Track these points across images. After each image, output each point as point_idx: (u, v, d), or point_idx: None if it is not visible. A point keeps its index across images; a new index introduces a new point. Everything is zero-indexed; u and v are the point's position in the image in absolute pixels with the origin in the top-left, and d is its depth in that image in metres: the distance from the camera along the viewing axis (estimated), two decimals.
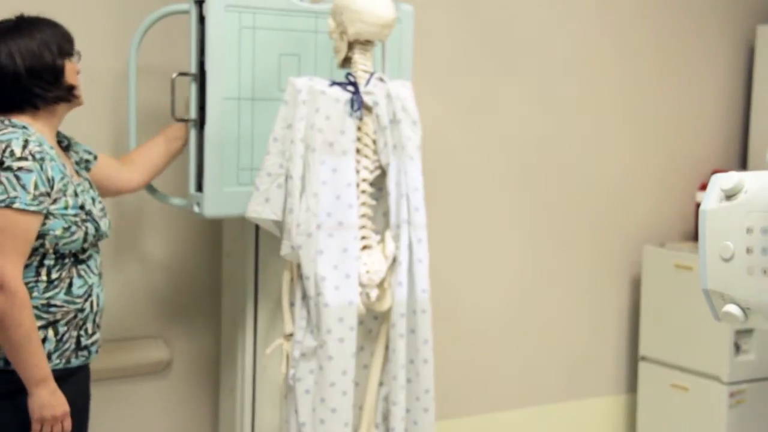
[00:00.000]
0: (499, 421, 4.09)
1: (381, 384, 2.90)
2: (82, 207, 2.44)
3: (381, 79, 2.86)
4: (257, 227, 3.08)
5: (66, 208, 2.39)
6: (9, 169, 2.30)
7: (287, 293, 2.82)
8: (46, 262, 2.40)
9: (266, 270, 3.13)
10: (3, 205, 2.29)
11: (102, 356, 2.86)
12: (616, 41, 4.24)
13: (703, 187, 4.37)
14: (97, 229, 2.48)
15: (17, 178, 2.30)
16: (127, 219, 3.22)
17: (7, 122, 2.41)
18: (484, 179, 3.96)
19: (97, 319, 2.53)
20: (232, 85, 2.90)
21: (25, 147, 2.32)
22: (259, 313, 3.15)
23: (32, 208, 2.31)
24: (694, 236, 4.44)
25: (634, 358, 4.36)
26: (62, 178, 2.39)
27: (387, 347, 2.87)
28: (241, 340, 3.16)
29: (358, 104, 2.79)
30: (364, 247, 2.80)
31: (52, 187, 2.36)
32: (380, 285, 2.82)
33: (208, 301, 3.40)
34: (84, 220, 2.44)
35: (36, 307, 2.38)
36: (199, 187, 2.94)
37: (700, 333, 3.99)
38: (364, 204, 2.81)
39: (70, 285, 2.44)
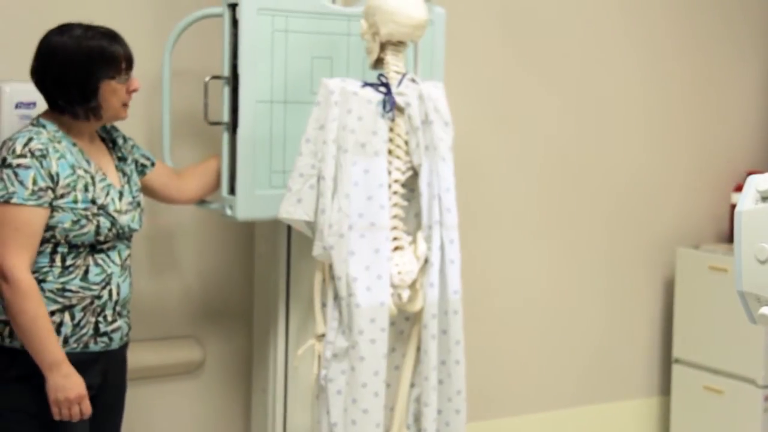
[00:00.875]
0: (532, 423, 4.08)
1: (412, 385, 2.89)
2: (93, 201, 2.50)
3: (413, 80, 2.86)
4: (289, 229, 3.09)
5: (75, 202, 2.47)
6: (9, 166, 2.41)
7: (319, 294, 2.82)
8: (60, 249, 2.48)
9: (298, 271, 3.14)
10: (2, 200, 2.40)
11: (135, 356, 2.89)
12: (648, 43, 4.21)
13: (739, 189, 4.33)
14: (113, 223, 2.54)
15: (15, 174, 2.41)
16: (161, 221, 3.24)
17: (35, 121, 2.54)
18: (514, 180, 3.95)
19: (119, 308, 2.59)
20: (265, 88, 2.90)
21: (26, 144, 2.43)
22: (290, 314, 3.15)
23: (30, 203, 2.41)
24: (729, 238, 4.40)
25: (667, 361, 4.33)
26: (71, 174, 2.47)
27: (418, 348, 2.87)
28: (273, 341, 3.17)
29: (391, 105, 2.79)
30: (396, 248, 2.80)
31: (56, 182, 2.44)
32: (412, 286, 2.82)
33: (240, 301, 3.41)
34: (95, 214, 2.50)
35: (51, 291, 2.47)
36: (232, 190, 2.95)
37: (735, 335, 3.95)
38: (395, 205, 2.81)
39: (87, 272, 2.51)
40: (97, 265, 2.53)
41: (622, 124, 4.19)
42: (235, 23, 2.89)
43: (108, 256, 2.56)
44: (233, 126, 2.93)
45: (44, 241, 2.47)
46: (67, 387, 2.44)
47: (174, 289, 3.32)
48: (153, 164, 2.80)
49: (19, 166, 2.41)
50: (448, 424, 2.88)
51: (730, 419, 4.01)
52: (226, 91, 2.94)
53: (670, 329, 4.29)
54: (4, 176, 2.41)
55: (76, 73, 2.49)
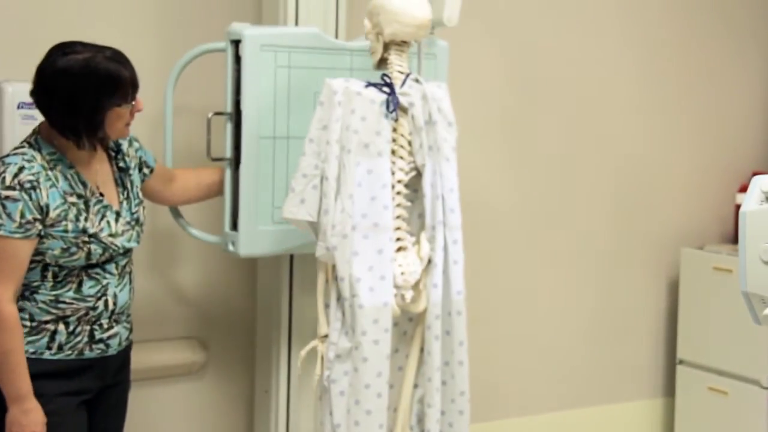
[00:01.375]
0: (535, 425, 4.07)
1: (416, 386, 2.89)
2: (84, 231, 2.47)
3: (417, 80, 2.85)
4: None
5: (66, 231, 2.45)
6: None
7: (322, 295, 2.82)
8: (51, 268, 2.48)
9: (302, 274, 3.14)
10: None
11: (138, 357, 2.89)
12: (652, 43, 4.21)
13: (743, 189, 4.32)
14: (105, 249, 2.52)
15: (3, 206, 2.37)
16: (164, 221, 3.23)
17: (33, 139, 2.49)
18: (518, 181, 3.95)
19: (116, 315, 2.58)
20: (268, 123, 2.91)
21: (16, 176, 2.39)
22: (293, 315, 3.15)
23: (17, 236, 2.38)
24: (733, 238, 4.40)
25: (671, 362, 4.32)
26: (62, 204, 2.44)
27: (422, 349, 2.86)
28: (275, 342, 3.17)
29: (394, 105, 2.79)
30: (399, 249, 2.80)
31: (46, 213, 2.42)
32: (415, 286, 2.81)
33: (243, 301, 3.41)
34: (86, 242, 2.48)
35: (44, 302, 2.47)
36: (234, 226, 2.95)
37: (739, 336, 3.94)
38: (399, 205, 2.80)
39: (80, 285, 2.50)
40: (91, 278, 2.52)
41: (626, 124, 4.18)
42: (238, 59, 2.90)
43: (103, 269, 2.55)
44: (236, 162, 2.93)
45: (34, 262, 2.46)
46: (23, 423, 2.44)
47: (177, 290, 3.32)
48: (152, 171, 2.78)
49: (7, 198, 2.37)
50: (451, 425, 2.88)
51: (734, 420, 4.00)
52: (229, 127, 2.94)
53: (675, 330, 4.29)
54: None
55: (85, 101, 2.43)
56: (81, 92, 2.42)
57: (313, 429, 3.19)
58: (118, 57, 2.49)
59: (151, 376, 3.26)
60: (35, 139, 2.49)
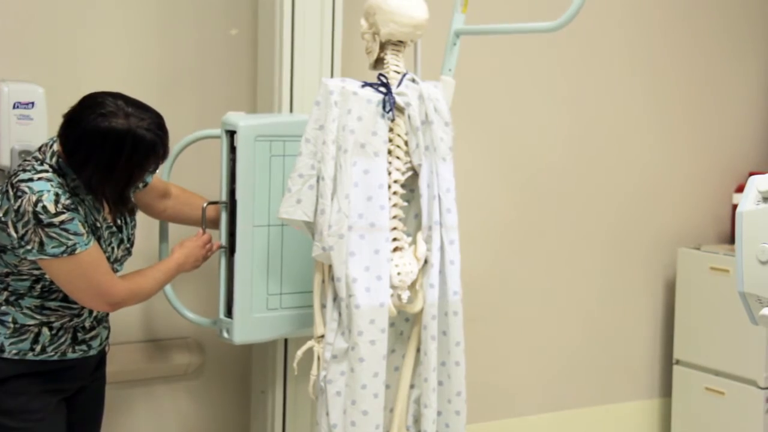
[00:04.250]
0: (532, 425, 4.07)
1: (412, 386, 2.88)
2: (104, 253, 2.53)
3: (413, 80, 2.85)
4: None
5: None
6: (51, 225, 2.37)
7: (318, 295, 2.81)
8: (42, 282, 2.49)
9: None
10: (67, 254, 2.40)
11: (134, 357, 2.88)
12: (649, 44, 4.21)
13: (740, 189, 4.32)
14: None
15: (65, 230, 2.39)
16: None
17: (44, 162, 2.45)
18: (516, 181, 3.94)
19: (99, 317, 2.62)
20: (263, 212, 2.92)
21: (57, 202, 2.39)
22: None
23: (91, 244, 2.45)
24: (730, 239, 4.39)
25: (668, 362, 4.32)
26: (89, 227, 2.48)
27: (418, 349, 2.86)
28: (272, 342, 3.16)
29: (390, 105, 2.78)
30: (396, 249, 2.79)
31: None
32: (412, 287, 2.81)
33: None
34: None
35: (29, 308, 2.49)
36: (229, 313, 2.97)
37: (736, 336, 3.94)
38: (395, 205, 2.80)
39: (67, 295, 2.51)
40: None
41: (623, 124, 4.18)
42: (233, 149, 2.91)
43: None
44: (231, 250, 2.94)
45: (27, 275, 2.47)
46: (189, 256, 2.76)
47: (173, 290, 3.31)
48: (146, 185, 2.78)
49: (62, 222, 2.39)
50: (447, 425, 2.87)
51: (731, 421, 4.00)
52: (224, 216, 2.96)
53: (672, 330, 4.28)
54: (54, 235, 2.38)
55: (124, 171, 2.45)
56: (122, 161, 2.42)
57: (309, 429, 3.19)
58: (157, 126, 2.48)
59: (148, 376, 3.26)
60: (58, 163, 2.46)
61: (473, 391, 3.10)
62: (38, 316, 2.49)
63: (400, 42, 2.83)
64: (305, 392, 3.08)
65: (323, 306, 2.80)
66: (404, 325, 2.91)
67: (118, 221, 2.62)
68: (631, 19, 4.15)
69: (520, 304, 4.00)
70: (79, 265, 2.43)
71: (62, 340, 2.53)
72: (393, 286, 2.76)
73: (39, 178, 2.41)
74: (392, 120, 2.80)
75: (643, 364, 4.33)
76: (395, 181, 2.80)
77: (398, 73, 2.82)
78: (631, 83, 4.18)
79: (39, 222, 2.36)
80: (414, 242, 2.83)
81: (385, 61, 2.84)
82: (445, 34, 3.05)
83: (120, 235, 2.61)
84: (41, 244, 2.37)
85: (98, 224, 2.53)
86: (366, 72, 2.90)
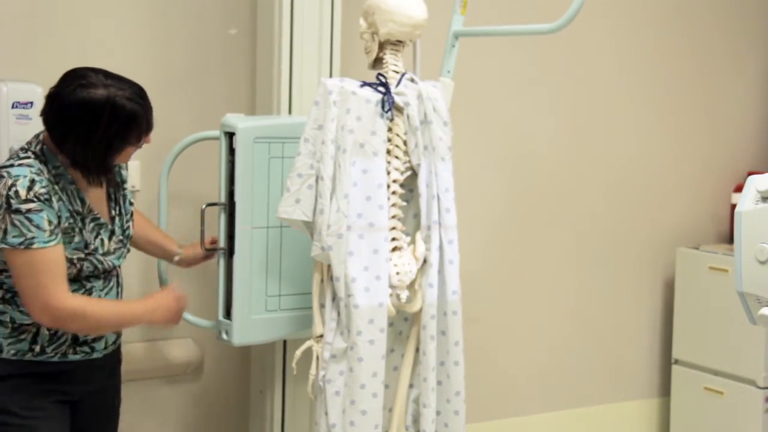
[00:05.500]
0: (531, 425, 4.07)
1: (411, 386, 2.88)
2: (86, 245, 2.47)
3: (412, 80, 2.85)
4: None
5: (70, 243, 2.43)
6: (18, 211, 2.32)
7: (317, 295, 2.81)
8: None
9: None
10: (23, 246, 2.34)
11: (133, 357, 2.88)
12: (648, 43, 4.21)
13: (739, 189, 4.32)
14: (96, 267, 2.49)
15: (29, 219, 2.33)
16: None
17: (38, 149, 2.42)
18: (514, 181, 3.94)
19: None
20: (261, 214, 2.92)
21: (30, 189, 2.34)
22: None
23: (52, 243, 2.37)
24: (729, 238, 4.39)
25: (667, 362, 4.32)
26: (69, 217, 2.42)
27: (417, 349, 2.86)
28: (271, 342, 3.16)
29: (389, 105, 2.78)
30: (395, 249, 2.79)
31: (59, 224, 2.40)
32: (410, 286, 2.81)
33: None
34: (81, 259, 2.46)
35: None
36: (228, 315, 2.97)
37: (735, 336, 3.94)
38: (394, 205, 2.80)
39: None
40: (74, 283, 2.48)
41: (622, 124, 4.18)
42: (231, 150, 2.91)
43: (87, 278, 2.52)
44: (230, 251, 2.94)
45: None
46: (159, 307, 2.59)
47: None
48: (123, 181, 2.68)
49: (29, 211, 2.33)
50: (446, 425, 2.87)
51: (730, 420, 4.00)
52: (223, 218, 2.96)
53: (670, 330, 4.28)
54: (17, 222, 2.33)
55: (102, 139, 2.40)
56: (101, 130, 2.38)
57: (308, 429, 3.19)
58: (138, 96, 2.44)
59: (147, 376, 3.25)
60: (41, 150, 2.43)
61: (472, 391, 3.10)
62: None
63: (399, 42, 2.83)
64: (304, 392, 3.07)
65: (322, 306, 2.80)
66: (403, 324, 2.91)
67: (112, 212, 2.56)
68: (629, 20, 4.15)
69: (518, 303, 4.00)
70: (32, 262, 2.35)
71: (62, 340, 2.47)
72: (392, 286, 2.76)
73: (20, 164, 2.38)
74: (391, 120, 2.80)
75: (642, 364, 4.32)
76: (394, 181, 2.80)
77: (397, 72, 2.82)
78: (630, 83, 4.18)
79: (9, 207, 2.33)
80: (413, 242, 2.83)
81: (384, 61, 2.84)
82: (444, 34, 3.05)
83: (110, 226, 2.54)
84: (5, 231, 2.33)
85: (82, 214, 2.46)
86: (365, 72, 2.90)
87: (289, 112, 3.12)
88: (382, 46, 2.83)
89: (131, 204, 2.65)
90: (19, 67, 2.97)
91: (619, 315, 4.25)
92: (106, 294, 2.56)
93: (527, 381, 4.05)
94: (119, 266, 2.62)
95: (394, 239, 2.79)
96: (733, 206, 4.31)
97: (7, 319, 2.44)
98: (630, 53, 4.17)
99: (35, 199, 2.33)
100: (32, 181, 2.34)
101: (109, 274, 2.57)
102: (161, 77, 3.20)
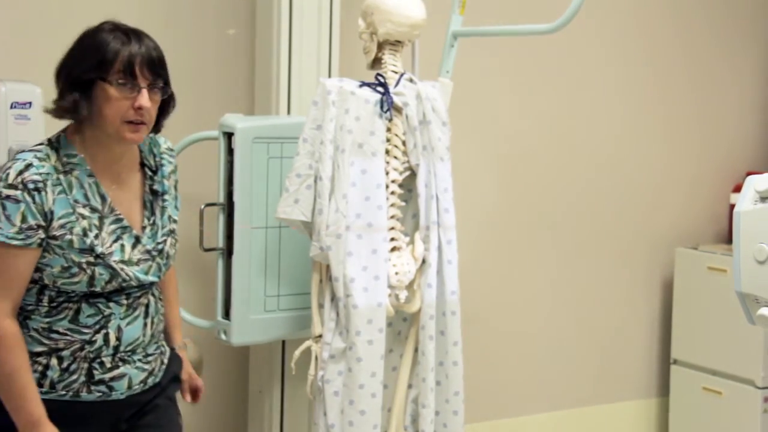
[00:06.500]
0: (530, 425, 4.07)
1: (410, 386, 2.88)
2: (91, 249, 2.15)
3: (411, 80, 2.85)
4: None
5: (70, 246, 2.13)
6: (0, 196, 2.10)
7: (316, 295, 2.81)
8: (47, 292, 2.17)
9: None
10: None
11: None
12: (647, 44, 4.21)
13: (738, 189, 4.32)
14: (113, 275, 2.17)
15: (3, 207, 2.09)
16: None
17: (54, 137, 2.22)
18: (513, 181, 3.94)
19: (122, 354, 2.22)
20: (260, 214, 2.93)
21: (20, 173, 2.10)
22: None
23: (16, 242, 2.09)
24: (728, 238, 4.39)
25: (666, 362, 4.32)
26: (70, 214, 2.14)
27: (416, 349, 2.86)
28: (269, 342, 3.16)
29: (388, 105, 2.78)
30: (394, 249, 2.79)
31: (49, 221, 2.12)
32: (409, 286, 2.81)
33: None
34: (91, 264, 2.15)
35: (36, 330, 2.17)
36: (227, 315, 2.97)
37: (734, 336, 3.94)
38: (393, 205, 2.80)
39: (77, 313, 2.18)
40: (91, 306, 2.18)
41: (621, 125, 4.18)
42: (230, 150, 2.92)
43: (108, 299, 2.20)
44: (228, 252, 2.95)
45: (31, 281, 2.16)
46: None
47: None
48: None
49: (8, 198, 2.08)
50: (445, 425, 2.88)
51: (729, 420, 4.01)
52: (221, 218, 2.96)
53: (669, 330, 4.29)
54: None
55: (67, 65, 2.19)
56: (68, 58, 2.20)
57: (306, 429, 3.19)
58: (130, 32, 2.20)
59: None
60: (57, 138, 2.21)
61: (471, 391, 3.10)
62: (46, 341, 2.16)
63: (398, 42, 2.83)
64: (303, 392, 3.08)
65: (321, 306, 2.80)
66: (402, 324, 2.91)
67: (145, 221, 2.27)
68: (628, 21, 4.15)
69: (517, 304, 4.00)
70: None
71: (74, 376, 2.17)
72: (391, 286, 2.76)
73: (30, 150, 2.17)
74: (390, 120, 2.80)
75: (640, 364, 4.33)
76: (393, 181, 2.80)
77: (396, 72, 2.82)
78: (629, 84, 4.18)
79: None
80: (412, 242, 2.83)
81: (382, 61, 2.84)
82: (442, 34, 3.05)
83: (136, 233, 2.23)
84: None
85: (101, 213, 2.18)
86: (364, 72, 2.90)
87: (288, 112, 3.12)
88: (380, 47, 2.83)
89: (172, 221, 2.34)
90: (18, 67, 2.97)
91: (617, 315, 4.25)
92: (128, 324, 2.22)
93: (526, 381, 4.05)
94: (151, 292, 2.29)
95: (392, 239, 2.79)
96: (732, 206, 4.31)
97: None
98: (628, 53, 4.17)
99: (20, 186, 2.08)
100: (28, 165, 2.11)
101: (135, 300, 2.24)
102: None
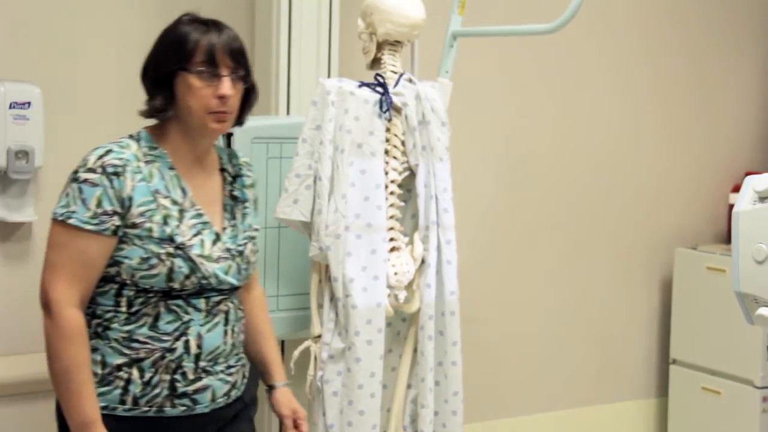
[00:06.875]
0: (529, 425, 4.07)
1: (409, 386, 2.88)
2: (171, 238, 2.09)
3: (410, 80, 2.85)
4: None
5: (149, 235, 2.08)
6: (76, 180, 2.07)
7: (315, 295, 2.81)
8: (126, 292, 2.12)
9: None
10: (61, 218, 2.06)
11: None
12: (646, 44, 4.21)
13: (736, 189, 4.32)
14: (193, 269, 2.11)
15: (80, 190, 2.05)
16: None
17: (136, 132, 2.22)
18: (512, 181, 3.95)
19: (203, 364, 2.16)
20: (259, 214, 2.90)
21: (100, 157, 2.07)
22: None
23: (89, 227, 2.04)
24: (727, 238, 4.40)
25: (665, 362, 4.33)
26: (150, 201, 2.10)
27: (415, 349, 2.86)
28: None
29: (387, 105, 2.78)
30: (393, 249, 2.79)
31: (127, 208, 2.07)
32: (408, 287, 2.81)
33: None
34: (170, 255, 2.09)
35: (117, 340, 2.10)
36: None
37: (732, 336, 3.95)
38: (392, 205, 2.80)
39: (156, 319, 2.11)
40: (170, 311, 2.12)
41: (620, 125, 4.18)
42: None
43: (187, 302, 2.14)
44: None
45: (109, 280, 2.11)
46: None
47: None
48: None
49: (85, 181, 2.05)
50: (444, 425, 2.88)
51: (728, 420, 4.01)
52: None
53: (668, 330, 4.29)
54: (69, 191, 2.07)
55: (151, 60, 2.19)
56: (151, 57, 2.19)
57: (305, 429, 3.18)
58: (209, 22, 2.19)
59: None
60: (138, 133, 2.20)
61: (470, 391, 3.10)
62: (126, 351, 2.10)
63: (397, 42, 2.83)
64: (302, 392, 3.08)
65: (320, 306, 2.80)
66: (401, 325, 2.91)
67: (225, 222, 2.24)
68: (626, 21, 4.16)
69: (516, 304, 4.00)
70: (58, 236, 2.06)
71: (157, 390, 2.11)
72: (390, 286, 2.76)
73: (111, 142, 2.15)
74: (389, 120, 2.80)
75: (639, 364, 4.33)
76: (392, 181, 2.80)
77: (395, 73, 2.82)
78: (628, 84, 4.18)
79: (73, 174, 2.08)
80: (411, 242, 2.83)
81: (382, 61, 2.84)
82: (442, 34, 3.05)
83: (215, 229, 2.19)
84: (59, 200, 2.08)
85: (181, 205, 2.14)
86: (363, 72, 2.90)
87: (287, 112, 3.12)
88: (380, 47, 2.83)
89: (253, 229, 2.33)
90: (17, 67, 2.97)
91: (616, 315, 4.25)
92: (208, 331, 2.16)
93: (525, 381, 4.05)
94: (230, 299, 2.23)
95: (392, 239, 2.79)
96: (731, 206, 4.31)
97: (98, 359, 2.11)
98: (626, 54, 4.17)
99: (98, 170, 2.05)
100: (108, 151, 2.09)
101: (215, 305, 2.18)
102: None
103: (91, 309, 2.13)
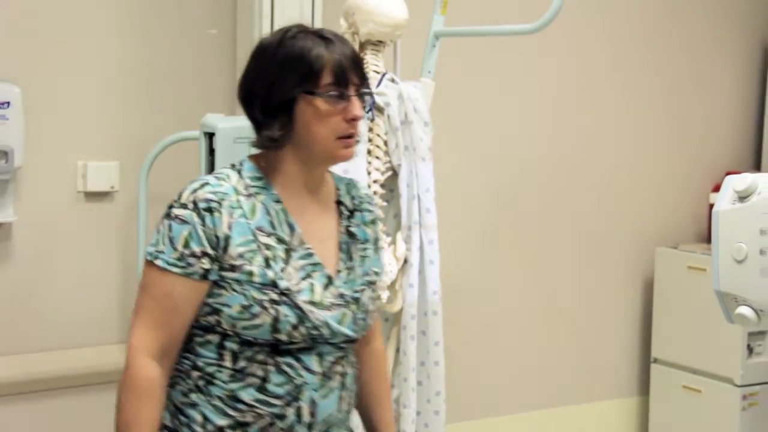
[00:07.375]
0: (511, 424, 4.08)
1: (392, 386, 2.89)
2: (273, 283, 1.83)
3: (393, 80, 2.85)
4: None
5: (249, 280, 1.83)
6: (169, 215, 1.85)
7: None
8: (229, 344, 1.86)
9: None
10: (149, 258, 1.85)
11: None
12: (629, 42, 4.22)
13: (717, 189, 4.34)
14: (302, 319, 1.84)
15: (170, 228, 1.83)
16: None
17: (240, 161, 1.97)
18: (494, 180, 3.95)
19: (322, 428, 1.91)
20: None
21: (194, 191, 1.84)
22: None
23: (175, 270, 1.81)
24: (707, 238, 4.41)
25: (646, 361, 4.34)
26: (250, 242, 1.84)
27: (398, 349, 2.86)
28: None
29: (370, 105, 2.78)
30: None
31: (222, 248, 1.82)
32: (391, 287, 2.81)
33: None
34: (275, 302, 1.82)
35: (220, 398, 1.86)
36: None
37: (713, 335, 3.97)
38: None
39: (265, 380, 1.85)
40: (280, 371, 1.85)
41: (601, 124, 4.19)
42: (211, 151, 2.88)
43: (298, 360, 1.87)
44: None
45: (209, 330, 1.86)
46: None
47: None
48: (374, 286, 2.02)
49: (176, 218, 1.82)
50: (427, 425, 2.88)
51: (708, 418, 4.03)
52: None
53: (649, 329, 4.30)
54: (161, 227, 1.85)
55: (262, 80, 1.88)
56: (262, 70, 1.88)
57: None
58: (325, 35, 1.89)
59: None
60: (241, 161, 1.94)
61: (452, 391, 3.11)
62: (231, 412, 1.85)
63: (380, 42, 2.83)
64: None
65: None
66: (383, 325, 2.91)
67: (340, 264, 1.94)
68: (610, 19, 4.17)
69: (499, 303, 4.01)
70: (146, 277, 1.85)
71: None
72: None
73: (211, 174, 1.92)
74: (372, 120, 2.80)
75: (620, 363, 4.34)
76: (375, 181, 2.80)
77: (378, 72, 2.82)
78: (610, 83, 4.19)
79: (168, 209, 1.87)
80: (393, 242, 2.83)
81: (364, 61, 2.84)
82: (425, 34, 3.06)
83: (327, 271, 1.91)
84: (152, 236, 1.88)
85: (288, 244, 1.88)
86: None
87: None
88: (362, 47, 2.83)
89: (374, 274, 2.01)
90: (13, 67, 2.96)
91: (598, 314, 4.26)
92: (323, 398, 1.89)
93: (507, 381, 4.06)
94: (347, 358, 1.95)
95: None
96: (712, 206, 4.33)
97: (198, 417, 1.87)
98: (610, 54, 4.18)
99: (190, 205, 1.82)
100: (204, 184, 1.85)
101: (331, 367, 1.90)
102: (141, 77, 3.19)
103: (190, 361, 1.89)
